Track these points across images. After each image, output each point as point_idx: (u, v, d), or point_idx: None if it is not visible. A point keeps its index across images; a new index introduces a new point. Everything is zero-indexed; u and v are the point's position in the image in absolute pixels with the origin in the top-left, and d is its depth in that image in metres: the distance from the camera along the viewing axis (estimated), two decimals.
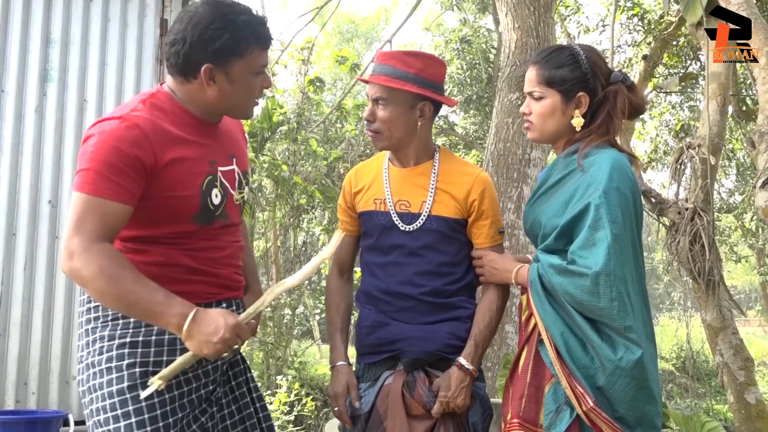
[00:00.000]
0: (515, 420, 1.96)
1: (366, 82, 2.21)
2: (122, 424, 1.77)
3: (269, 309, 8.98)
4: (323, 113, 10.01)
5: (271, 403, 6.57)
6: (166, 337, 1.84)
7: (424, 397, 2.12)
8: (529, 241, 5.07)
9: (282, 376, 7.55)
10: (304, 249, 11.29)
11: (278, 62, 9.66)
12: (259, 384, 7.54)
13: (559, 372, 1.89)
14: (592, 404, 1.85)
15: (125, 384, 1.79)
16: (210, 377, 1.96)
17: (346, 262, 2.38)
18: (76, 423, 3.34)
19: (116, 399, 1.79)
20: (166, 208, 1.83)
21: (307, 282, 10.62)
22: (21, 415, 3.28)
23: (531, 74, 2.10)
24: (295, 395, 6.77)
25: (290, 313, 9.22)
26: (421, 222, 2.16)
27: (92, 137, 1.78)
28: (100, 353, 1.84)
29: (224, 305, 1.96)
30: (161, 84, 1.96)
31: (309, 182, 8.97)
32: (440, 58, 2.29)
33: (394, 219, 2.17)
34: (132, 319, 1.83)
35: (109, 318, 1.85)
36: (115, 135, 1.75)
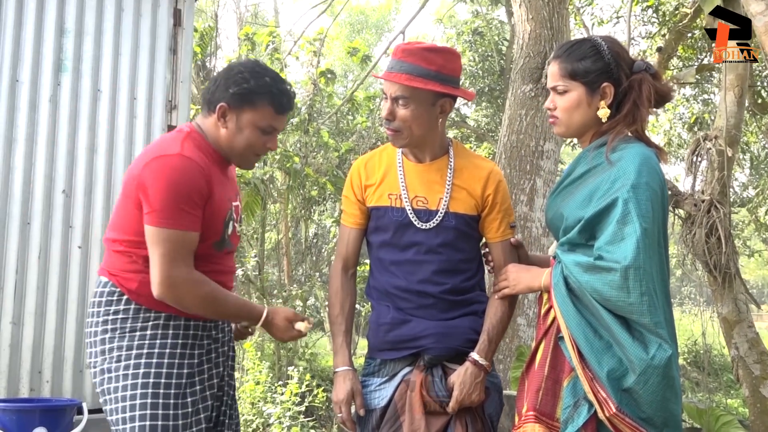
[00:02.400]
0: (531, 413, 1.93)
1: (384, 79, 2.14)
2: (137, 424, 2.01)
3: (281, 301, 9.00)
4: (334, 105, 9.99)
5: (282, 394, 6.58)
6: (178, 351, 2.09)
7: (439, 394, 2.11)
8: (541, 233, 5.08)
9: (293, 367, 7.56)
10: (315, 241, 11.30)
11: (290, 54, 9.65)
12: (270, 375, 7.58)
13: (581, 375, 1.87)
14: (614, 410, 1.82)
15: (138, 390, 2.02)
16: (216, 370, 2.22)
17: (352, 258, 2.31)
18: (90, 411, 3.35)
19: (128, 403, 2.02)
20: (200, 234, 2.07)
21: (318, 273, 10.63)
22: (35, 403, 3.30)
23: (553, 69, 2.07)
24: (306, 386, 6.78)
25: (301, 304, 9.24)
26: (439, 219, 2.14)
27: (159, 172, 2.00)
28: (118, 361, 2.05)
29: (221, 323, 2.25)
30: (190, 122, 2.22)
31: (320, 174, 8.97)
32: (456, 50, 2.27)
33: (411, 216, 2.15)
34: (148, 332, 2.07)
35: (127, 330, 2.07)
36: (182, 171, 2.00)
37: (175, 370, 2.06)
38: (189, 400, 2.07)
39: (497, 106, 12.41)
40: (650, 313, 1.81)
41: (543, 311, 2.08)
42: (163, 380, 2.04)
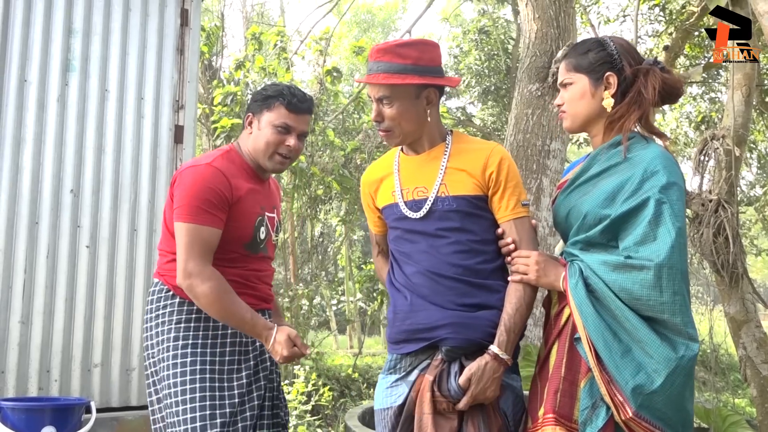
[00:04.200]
0: (550, 415, 1.90)
1: (365, 83, 2.16)
2: (188, 408, 2.31)
3: (287, 300, 9.01)
4: (340, 104, 10.00)
5: (288, 393, 6.60)
6: (219, 340, 2.38)
7: (453, 393, 2.02)
8: (548, 233, 5.07)
9: (299, 366, 7.58)
10: (321, 240, 11.30)
11: (296, 53, 9.65)
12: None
13: (598, 378, 1.86)
14: (631, 414, 1.81)
15: (188, 377, 2.31)
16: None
17: (384, 250, 2.37)
18: (98, 410, 3.37)
19: (179, 388, 2.30)
20: (229, 233, 2.34)
21: (324, 272, 10.64)
22: (44, 402, 3.31)
23: (561, 67, 2.11)
24: (313, 385, 6.80)
25: (307, 303, 9.25)
26: (429, 206, 2.10)
27: (186, 178, 2.33)
28: (167, 351, 2.34)
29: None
30: (233, 143, 2.54)
31: (326, 173, 8.97)
32: (433, 40, 2.25)
33: (403, 209, 2.14)
34: (192, 324, 2.36)
35: (174, 322, 2.37)
36: (206, 177, 2.31)
37: (217, 358, 2.33)
38: (235, 383, 2.33)
39: (503, 105, 12.40)
40: (681, 313, 1.81)
41: (554, 312, 2.06)
42: (208, 366, 2.30)
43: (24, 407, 3.13)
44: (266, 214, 2.48)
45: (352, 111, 10.14)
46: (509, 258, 2.11)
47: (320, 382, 7.23)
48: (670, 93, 2.04)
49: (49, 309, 3.62)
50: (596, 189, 2.00)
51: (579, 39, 2.14)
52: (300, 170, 8.69)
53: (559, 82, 2.12)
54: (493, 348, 2.02)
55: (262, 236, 2.45)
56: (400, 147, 2.25)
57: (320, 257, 10.85)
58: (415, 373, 2.10)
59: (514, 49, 12.19)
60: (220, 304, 2.26)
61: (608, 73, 2.02)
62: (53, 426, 3.09)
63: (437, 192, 2.12)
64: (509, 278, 2.09)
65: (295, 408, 6.42)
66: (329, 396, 7.11)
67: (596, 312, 1.88)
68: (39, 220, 3.64)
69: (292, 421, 6.28)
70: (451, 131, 2.25)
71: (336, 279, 12.37)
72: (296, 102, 2.41)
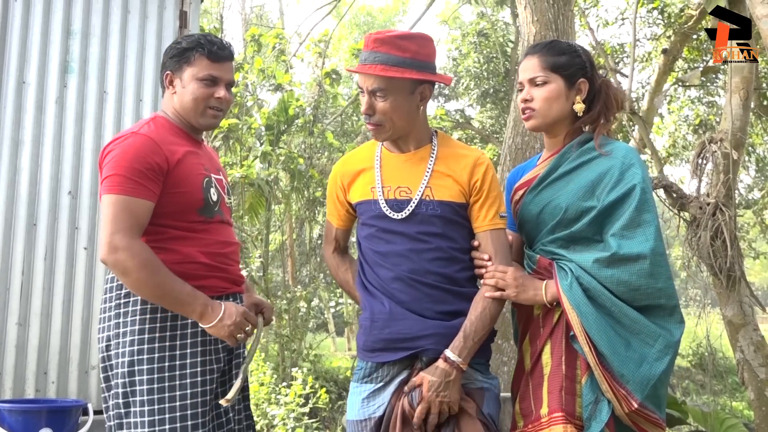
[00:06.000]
0: (559, 414, 1.92)
1: (357, 72, 2.05)
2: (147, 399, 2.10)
3: (285, 302, 9.00)
4: (339, 106, 10.00)
5: (286, 395, 6.59)
6: (189, 330, 2.12)
7: (416, 402, 1.96)
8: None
9: (297, 368, 7.57)
10: (319, 242, 11.30)
11: (295, 55, 9.66)
12: (274, 376, 7.57)
13: (599, 374, 1.89)
14: (636, 405, 1.87)
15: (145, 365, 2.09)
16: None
17: (342, 245, 2.29)
18: (95, 412, 3.36)
19: (136, 378, 2.09)
20: (177, 200, 2.14)
21: (322, 275, 10.64)
22: (41, 404, 3.30)
23: (532, 62, 2.14)
24: (310, 387, 6.79)
25: (305, 305, 9.25)
26: (412, 207, 2.03)
27: (113, 151, 2.11)
28: (129, 342, 2.10)
29: (231, 299, 2.23)
30: (157, 111, 2.35)
31: (325, 175, 8.98)
32: (428, 35, 2.18)
33: (383, 207, 2.05)
34: (158, 314, 2.09)
35: (138, 312, 2.10)
36: (135, 146, 2.10)
37: (188, 350, 2.10)
38: (198, 369, 2.09)
39: (502, 108, 12.40)
40: (675, 296, 1.93)
41: (539, 312, 2.06)
42: (177, 362, 2.07)
43: (21, 409, 3.12)
44: (212, 175, 2.26)
45: (350, 113, 10.15)
46: (481, 270, 2.06)
47: (318, 385, 7.22)
48: (618, 105, 2.19)
49: (46, 310, 3.61)
50: (572, 184, 2.06)
51: (577, 42, 2.21)
52: (298, 172, 8.70)
53: (528, 77, 2.12)
54: (446, 351, 1.96)
55: (214, 198, 2.23)
56: (381, 142, 2.16)
57: (318, 259, 10.84)
58: (395, 383, 2.02)
59: (513, 52, 12.20)
60: (153, 280, 2.00)
61: (581, 80, 2.11)
62: (50, 428, 3.08)
63: (422, 195, 2.05)
64: (485, 294, 2.03)
65: (293, 410, 6.41)
66: (326, 398, 7.10)
67: (596, 311, 1.91)
68: (37, 221, 3.64)
69: (290, 424, 6.27)
70: (437, 132, 2.18)
71: (334, 281, 12.37)
72: (217, 50, 2.21)
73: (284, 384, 7.06)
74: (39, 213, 3.65)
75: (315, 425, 6.66)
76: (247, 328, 2.09)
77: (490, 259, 2.05)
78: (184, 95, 2.22)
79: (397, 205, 2.06)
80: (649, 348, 1.89)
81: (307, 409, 6.57)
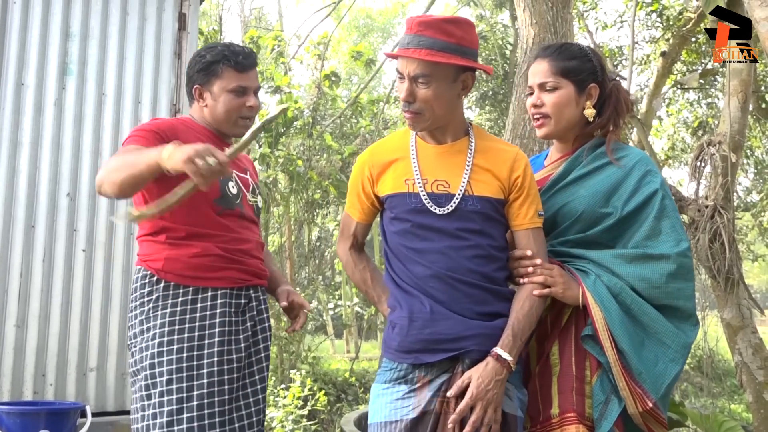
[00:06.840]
0: (572, 414, 1.91)
1: (397, 57, 1.94)
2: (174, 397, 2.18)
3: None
4: (338, 108, 10.01)
5: (284, 398, 6.59)
6: (207, 321, 2.18)
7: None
8: None
9: (295, 370, 7.57)
10: (318, 244, 11.30)
11: (294, 57, 9.67)
12: (273, 378, 7.58)
13: (619, 372, 1.88)
14: (651, 405, 1.87)
15: (172, 365, 2.17)
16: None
17: (360, 243, 2.17)
18: (94, 414, 3.36)
19: (164, 377, 2.16)
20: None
21: (321, 277, 10.64)
22: (39, 406, 3.30)
23: (542, 66, 2.10)
24: (309, 390, 6.79)
25: None
26: (456, 202, 1.93)
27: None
28: (153, 338, 2.17)
29: (251, 291, 2.30)
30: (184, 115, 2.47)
31: (323, 177, 8.98)
32: (472, 21, 2.09)
33: (426, 201, 1.94)
34: (178, 308, 2.16)
35: (159, 308, 2.18)
36: (153, 123, 2.23)
37: (206, 341, 2.15)
38: (216, 369, 2.14)
39: (501, 110, 12.41)
40: (693, 299, 1.94)
41: (548, 313, 2.05)
42: (195, 352, 2.13)
43: (19, 411, 3.12)
44: (234, 172, 2.30)
45: (349, 115, 10.15)
46: (528, 269, 1.98)
47: (316, 387, 7.21)
48: (627, 109, 2.17)
49: (44, 313, 3.61)
50: (586, 189, 2.04)
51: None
52: (297, 174, 8.69)
53: (538, 81, 2.09)
54: (496, 349, 1.87)
55: (233, 191, 2.26)
56: (414, 132, 2.05)
57: (317, 261, 10.84)
58: (435, 385, 1.91)
59: (512, 54, 12.22)
60: (115, 162, 2.05)
61: (592, 85, 2.09)
62: (48, 430, 3.08)
63: (464, 190, 1.95)
64: (534, 292, 1.95)
65: (292, 413, 6.40)
66: (325, 401, 7.10)
67: (620, 311, 1.91)
68: (35, 223, 3.64)
69: (288, 426, 6.27)
70: (471, 124, 2.09)
71: (333, 283, 12.36)
72: (242, 60, 2.28)
73: (282, 386, 7.05)
74: (37, 215, 3.65)
75: (313, 427, 6.65)
76: (210, 159, 1.82)
77: (533, 257, 1.98)
78: (216, 107, 2.30)
79: (436, 199, 1.95)
80: (665, 348, 1.90)
81: (305, 412, 6.56)
